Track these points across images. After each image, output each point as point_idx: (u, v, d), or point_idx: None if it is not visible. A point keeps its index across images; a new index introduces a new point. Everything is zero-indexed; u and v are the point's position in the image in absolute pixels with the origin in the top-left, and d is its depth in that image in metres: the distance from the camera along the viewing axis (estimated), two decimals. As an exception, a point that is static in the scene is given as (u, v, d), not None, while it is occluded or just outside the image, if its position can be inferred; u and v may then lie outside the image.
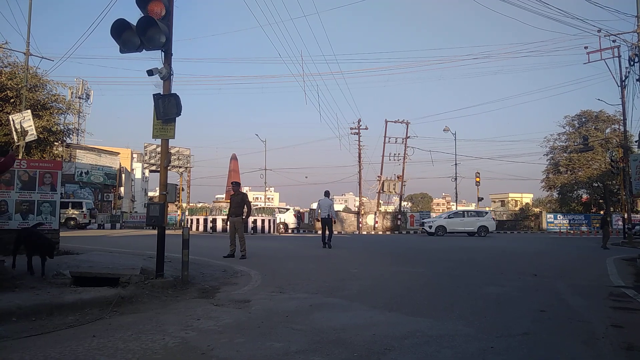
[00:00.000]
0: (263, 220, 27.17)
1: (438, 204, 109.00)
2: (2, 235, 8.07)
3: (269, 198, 71.04)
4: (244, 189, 44.41)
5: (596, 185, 42.54)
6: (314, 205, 33.90)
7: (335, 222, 14.82)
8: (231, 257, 10.37)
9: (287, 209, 32.25)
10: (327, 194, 15.07)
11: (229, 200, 12.29)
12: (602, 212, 28.01)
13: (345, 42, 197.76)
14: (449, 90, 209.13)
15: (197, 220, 27.43)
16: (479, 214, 29.36)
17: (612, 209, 38.78)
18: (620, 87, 22.29)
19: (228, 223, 11.00)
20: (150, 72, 6.63)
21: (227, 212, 11.14)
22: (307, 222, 34.83)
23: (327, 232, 14.42)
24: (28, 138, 14.31)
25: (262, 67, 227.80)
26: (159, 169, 7.14)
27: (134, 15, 6.57)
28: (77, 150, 37.36)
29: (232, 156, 32.68)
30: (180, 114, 6.69)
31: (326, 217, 14.48)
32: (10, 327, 4.15)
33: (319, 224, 30.13)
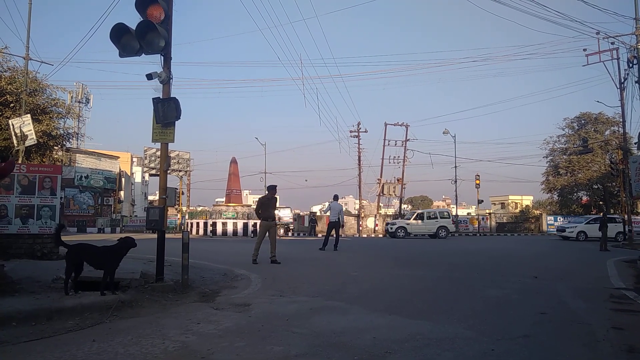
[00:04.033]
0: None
1: (438, 207, 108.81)
2: (2, 240, 8.08)
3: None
4: (244, 193, 44.44)
5: (596, 187, 42.48)
6: (315, 208, 34.00)
7: (342, 227, 15.10)
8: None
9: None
10: (336, 197, 15.44)
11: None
12: (601, 214, 27.95)
13: (345, 45, 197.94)
14: (449, 93, 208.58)
15: (197, 223, 27.44)
16: None
17: (612, 211, 38.75)
18: (619, 89, 22.26)
19: (265, 227, 10.61)
20: (149, 76, 6.64)
21: (263, 215, 10.60)
22: (308, 225, 34.60)
23: (332, 235, 14.56)
24: (28, 142, 14.32)
25: (262, 71, 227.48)
26: (158, 173, 7.15)
27: (133, 20, 6.60)
28: (77, 155, 37.31)
29: (232, 160, 32.43)
30: (179, 118, 6.71)
31: (336, 220, 14.58)
32: (10, 332, 4.14)
33: (318, 227, 30.00)
